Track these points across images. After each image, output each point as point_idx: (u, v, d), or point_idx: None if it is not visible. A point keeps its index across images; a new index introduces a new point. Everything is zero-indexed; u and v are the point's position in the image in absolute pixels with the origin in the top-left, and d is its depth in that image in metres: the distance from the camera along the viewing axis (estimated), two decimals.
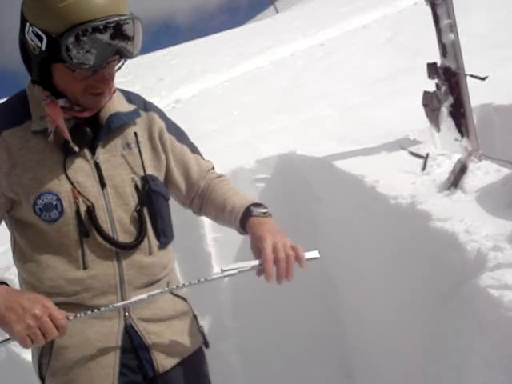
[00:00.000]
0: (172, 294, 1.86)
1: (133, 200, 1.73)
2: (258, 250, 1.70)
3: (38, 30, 1.53)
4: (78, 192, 1.65)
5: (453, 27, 2.65)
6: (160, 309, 1.80)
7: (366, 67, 6.39)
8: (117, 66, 1.65)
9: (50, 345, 1.68)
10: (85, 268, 1.65)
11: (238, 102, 6.39)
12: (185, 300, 1.93)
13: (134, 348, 1.74)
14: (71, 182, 1.65)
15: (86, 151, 1.69)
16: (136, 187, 1.74)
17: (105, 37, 1.50)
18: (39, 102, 1.66)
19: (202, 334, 1.96)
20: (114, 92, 1.77)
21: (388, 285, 2.55)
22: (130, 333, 1.73)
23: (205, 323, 3.47)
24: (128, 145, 1.76)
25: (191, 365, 1.89)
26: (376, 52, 7.21)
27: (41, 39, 1.53)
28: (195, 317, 1.96)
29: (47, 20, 1.51)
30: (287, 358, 3.44)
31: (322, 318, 3.42)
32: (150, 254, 1.77)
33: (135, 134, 1.78)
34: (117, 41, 1.53)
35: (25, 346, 1.47)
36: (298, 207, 3.46)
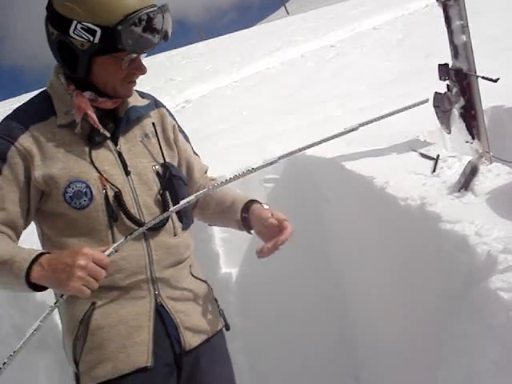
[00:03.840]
0: (194, 276, 1.97)
1: (156, 185, 1.85)
2: (264, 228, 1.93)
3: (89, 25, 1.64)
4: (106, 179, 1.76)
5: (465, 28, 2.64)
6: (186, 289, 1.91)
7: (377, 68, 6.38)
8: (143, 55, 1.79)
9: (85, 327, 1.77)
10: (116, 251, 1.70)
11: (248, 103, 6.39)
12: (206, 282, 2.04)
13: (164, 326, 1.84)
14: (98, 171, 1.76)
15: (109, 142, 1.81)
16: (157, 173, 1.87)
17: (155, 23, 1.67)
18: (63, 97, 1.77)
19: (223, 316, 2.07)
20: None
21: (397, 287, 2.54)
22: (160, 311, 1.83)
23: None
24: (146, 135, 1.90)
25: (215, 345, 1.99)
26: (387, 53, 7.20)
27: (93, 33, 1.64)
28: (216, 300, 2.07)
29: (100, 14, 1.64)
30: (294, 359, 3.42)
31: (329, 319, 3.41)
32: (175, 235, 1.89)
33: (153, 124, 1.93)
34: (163, 27, 1.70)
35: (85, 295, 1.56)
36: (306, 208, 3.45)
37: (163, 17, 1.69)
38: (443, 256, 2.07)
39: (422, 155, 2.85)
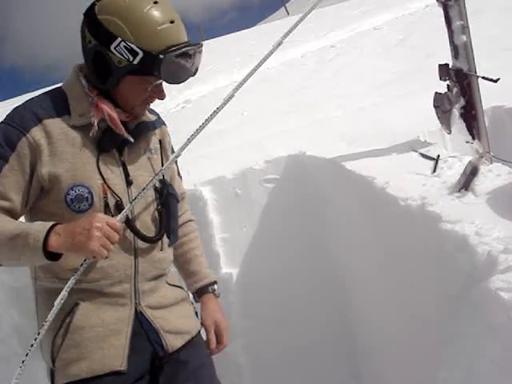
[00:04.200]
0: (169, 283, 2.04)
1: (153, 201, 1.92)
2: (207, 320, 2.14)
3: (133, 46, 1.70)
4: (108, 187, 1.80)
5: (465, 29, 2.64)
6: (163, 297, 1.98)
7: (377, 69, 6.37)
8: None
9: (67, 326, 1.82)
10: (106, 257, 1.72)
11: (248, 103, 6.37)
12: (181, 288, 2.13)
13: (144, 331, 1.90)
14: (103, 178, 1.80)
15: (115, 151, 1.86)
16: (156, 189, 1.93)
17: (190, 59, 1.76)
18: (81, 99, 1.81)
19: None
20: None
21: (397, 287, 2.54)
22: (139, 318, 1.89)
23: None
24: (150, 150, 1.97)
25: (196, 346, 2.06)
26: (387, 54, 7.19)
27: (135, 54, 1.70)
28: (192, 303, 2.17)
29: (147, 39, 1.70)
30: (295, 359, 3.43)
31: (330, 319, 3.41)
32: (162, 250, 1.96)
33: (159, 141, 2.02)
34: (196, 63, 1.79)
35: (103, 255, 1.64)
36: (307, 208, 3.45)
37: (199, 55, 1.79)
38: (443, 256, 2.07)
39: (423, 155, 2.85)
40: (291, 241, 3.47)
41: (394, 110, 4.11)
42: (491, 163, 2.53)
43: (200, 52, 1.80)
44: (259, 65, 1.85)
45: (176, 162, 2.16)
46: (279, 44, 1.90)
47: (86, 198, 1.76)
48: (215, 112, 1.87)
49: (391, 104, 4.41)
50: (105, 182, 1.79)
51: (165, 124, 2.11)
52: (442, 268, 2.09)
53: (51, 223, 1.67)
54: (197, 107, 7.11)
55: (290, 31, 1.90)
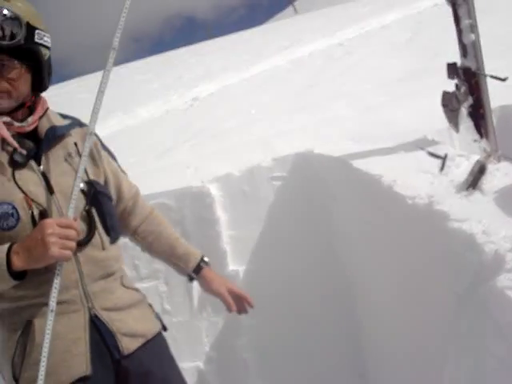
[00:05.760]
0: (124, 286, 2.03)
1: (81, 202, 1.87)
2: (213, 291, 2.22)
3: None
4: (32, 199, 1.78)
5: (473, 27, 2.64)
6: (119, 298, 1.96)
7: (385, 67, 6.37)
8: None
9: (23, 345, 1.80)
10: (46, 269, 1.74)
11: (256, 101, 6.39)
12: (137, 290, 2.11)
13: (100, 335, 1.88)
14: (23, 191, 1.78)
15: (32, 162, 1.84)
16: (82, 191, 1.89)
17: None
18: None
19: (159, 319, 2.15)
20: (48, 109, 1.95)
21: (404, 284, 2.54)
22: (95, 322, 1.87)
23: (219, 321, 3.49)
24: (69, 154, 1.93)
25: (154, 347, 2.04)
26: (395, 52, 7.18)
27: None
28: (150, 305, 2.15)
29: None
30: (301, 356, 3.43)
31: (336, 317, 3.41)
32: (104, 249, 1.93)
33: (75, 144, 1.95)
34: None
35: (67, 257, 1.70)
36: (314, 206, 3.46)
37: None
38: (451, 255, 2.06)
39: (430, 154, 2.85)
40: (298, 239, 3.47)
41: (401, 109, 4.11)
42: (499, 162, 2.52)
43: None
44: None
45: (115, 159, 2.16)
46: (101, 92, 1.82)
47: (12, 213, 1.75)
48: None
49: (399, 102, 4.41)
50: (26, 195, 1.77)
51: (82, 126, 2.04)
52: (449, 266, 2.09)
53: (7, 245, 1.69)
54: (205, 105, 7.13)
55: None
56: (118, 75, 12.15)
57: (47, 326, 1.69)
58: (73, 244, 1.69)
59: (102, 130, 6.70)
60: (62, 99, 8.39)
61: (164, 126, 6.49)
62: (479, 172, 2.34)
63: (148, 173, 4.15)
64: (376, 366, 3.17)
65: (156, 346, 2.06)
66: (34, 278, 1.75)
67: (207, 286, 2.22)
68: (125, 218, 2.17)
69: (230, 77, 8.36)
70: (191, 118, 6.32)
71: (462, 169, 2.54)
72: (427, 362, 2.33)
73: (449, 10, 2.71)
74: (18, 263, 1.66)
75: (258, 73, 8.32)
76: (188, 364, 3.36)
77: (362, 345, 3.31)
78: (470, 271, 1.91)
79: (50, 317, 1.69)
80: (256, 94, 7.01)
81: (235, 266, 3.46)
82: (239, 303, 2.23)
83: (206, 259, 2.24)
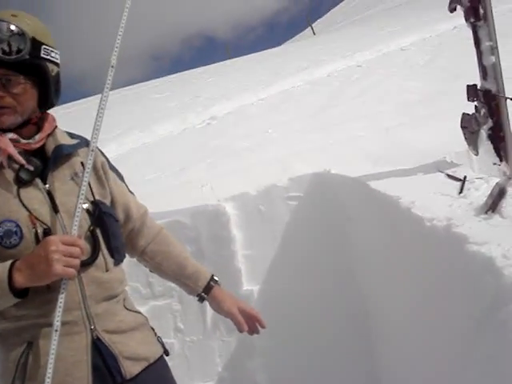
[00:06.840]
0: (127, 308, 2.00)
1: (85, 222, 1.86)
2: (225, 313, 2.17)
3: None
4: (36, 218, 1.76)
5: (494, 49, 2.63)
6: (122, 321, 1.93)
7: (404, 89, 6.36)
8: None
9: (23, 368, 1.76)
10: (48, 288, 1.72)
11: (273, 121, 6.40)
12: (140, 313, 2.08)
13: (102, 358, 1.84)
14: (28, 210, 1.76)
15: (38, 181, 1.82)
16: (87, 211, 1.87)
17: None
18: None
19: (161, 343, 2.10)
20: (56, 127, 1.93)
21: (422, 307, 2.51)
22: (97, 344, 1.84)
23: (232, 341, 3.47)
24: (76, 174, 1.91)
25: (156, 371, 2.01)
26: (414, 74, 7.18)
27: None
28: (152, 328, 2.11)
29: None
30: (314, 379, 3.40)
31: (351, 340, 3.38)
32: (107, 270, 1.90)
33: (81, 163, 1.93)
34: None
35: (71, 275, 1.67)
36: (330, 226, 3.44)
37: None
38: (469, 278, 2.04)
39: (449, 176, 2.83)
40: (313, 259, 3.45)
41: (420, 131, 4.09)
42: None
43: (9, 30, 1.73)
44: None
45: (123, 180, 2.14)
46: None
47: (15, 231, 1.74)
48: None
49: (418, 124, 4.40)
50: (31, 214, 1.76)
51: (89, 145, 1.96)
52: (468, 290, 2.06)
53: (9, 261, 1.67)
54: (222, 124, 7.15)
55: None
56: (136, 93, 12.26)
57: (52, 347, 1.66)
58: (77, 262, 1.67)
59: (119, 146, 6.79)
60: (81, 115, 8.46)
61: (181, 145, 6.51)
62: (499, 195, 2.31)
63: (164, 190, 4.15)
64: (390, 380, 3.12)
65: (158, 369, 2.02)
66: (36, 297, 1.73)
67: (217, 306, 2.18)
68: (132, 237, 2.14)
69: (248, 96, 8.38)
70: (208, 137, 6.34)
71: (481, 192, 2.52)
72: None
73: (468, 32, 2.71)
74: (20, 280, 1.64)
75: (275, 93, 8.35)
76: None
77: (376, 370, 3.27)
78: (488, 295, 1.89)
79: (55, 336, 1.66)
80: (273, 113, 7.02)
81: (249, 285, 3.44)
82: (251, 323, 2.18)
83: (216, 278, 2.20)
